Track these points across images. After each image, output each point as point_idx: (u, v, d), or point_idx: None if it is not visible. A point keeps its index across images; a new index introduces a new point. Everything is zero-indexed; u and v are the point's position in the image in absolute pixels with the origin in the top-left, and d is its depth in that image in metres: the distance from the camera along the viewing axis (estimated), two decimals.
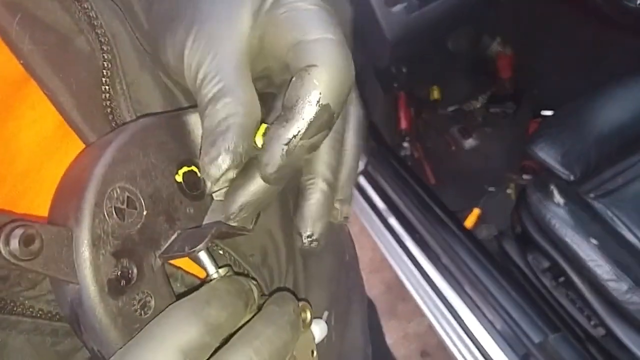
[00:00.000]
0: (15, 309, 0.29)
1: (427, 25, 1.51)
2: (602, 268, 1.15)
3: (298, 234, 0.37)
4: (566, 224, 1.21)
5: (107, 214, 0.28)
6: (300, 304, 0.35)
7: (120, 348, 0.26)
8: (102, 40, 0.33)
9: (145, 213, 0.30)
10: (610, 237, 1.20)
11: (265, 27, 0.31)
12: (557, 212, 1.23)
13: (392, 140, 2.07)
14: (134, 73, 0.36)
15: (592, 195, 1.30)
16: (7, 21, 0.29)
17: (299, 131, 0.28)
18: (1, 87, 0.29)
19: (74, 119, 0.31)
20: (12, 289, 0.28)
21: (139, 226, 0.29)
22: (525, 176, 1.88)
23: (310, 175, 0.37)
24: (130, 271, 0.28)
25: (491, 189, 1.97)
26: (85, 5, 0.33)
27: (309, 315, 0.36)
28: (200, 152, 0.31)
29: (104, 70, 0.33)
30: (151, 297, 0.29)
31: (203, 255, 0.32)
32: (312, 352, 0.38)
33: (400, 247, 1.62)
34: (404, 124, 2.12)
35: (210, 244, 0.31)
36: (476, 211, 1.90)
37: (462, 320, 1.41)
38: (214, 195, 0.33)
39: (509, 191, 1.95)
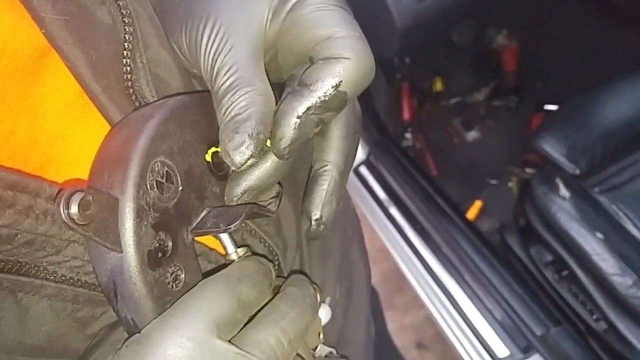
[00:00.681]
0: (38, 273, 0.29)
1: (436, 15, 1.50)
2: (607, 262, 1.14)
3: (307, 217, 0.39)
4: (572, 218, 1.21)
5: (150, 187, 0.28)
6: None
7: (156, 318, 0.27)
8: (124, 12, 0.34)
9: (180, 189, 0.31)
10: (615, 232, 1.20)
11: (288, 24, 0.33)
12: (562, 205, 1.23)
13: (395, 130, 2.07)
14: (153, 49, 0.36)
15: (597, 189, 1.30)
16: None
17: (312, 105, 0.31)
18: (25, 54, 0.29)
19: (93, 89, 0.31)
20: (36, 254, 0.28)
21: (175, 201, 0.30)
22: (527, 170, 1.88)
23: (325, 163, 0.39)
24: (166, 244, 0.29)
25: (493, 181, 1.97)
26: None
27: (319, 299, 0.37)
28: (220, 138, 0.32)
29: (125, 43, 0.33)
30: (182, 271, 0.30)
31: (224, 235, 0.34)
32: (319, 334, 0.40)
33: (402, 237, 1.62)
34: (406, 115, 2.11)
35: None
36: (478, 203, 1.90)
37: (463, 312, 1.41)
38: None
39: (510, 184, 1.95)
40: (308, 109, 0.31)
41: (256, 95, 0.32)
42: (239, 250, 0.34)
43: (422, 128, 2.17)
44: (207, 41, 0.33)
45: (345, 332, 0.64)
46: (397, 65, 2.07)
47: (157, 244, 0.28)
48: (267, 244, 0.44)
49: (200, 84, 0.41)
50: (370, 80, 0.33)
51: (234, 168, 0.32)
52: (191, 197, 0.32)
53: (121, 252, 0.27)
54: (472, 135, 2.13)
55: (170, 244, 0.29)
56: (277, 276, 0.35)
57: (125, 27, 0.34)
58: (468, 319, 1.40)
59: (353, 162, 0.42)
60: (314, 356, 0.39)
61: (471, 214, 1.89)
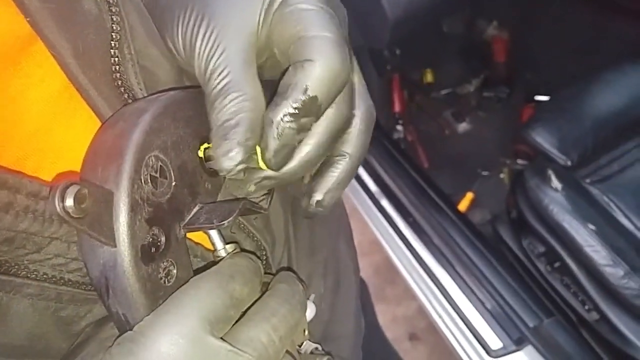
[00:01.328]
0: (19, 272, 0.28)
1: (426, 6, 1.49)
2: (599, 253, 1.15)
3: (309, 197, 0.39)
4: (564, 209, 1.21)
5: (144, 181, 0.28)
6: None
7: (148, 314, 0.27)
8: (111, 1, 0.33)
9: (174, 184, 0.31)
10: (607, 223, 1.21)
11: (274, 23, 0.33)
12: (554, 197, 1.23)
13: (386, 123, 2.06)
14: (141, 41, 0.35)
15: (588, 180, 1.30)
16: None
17: (285, 114, 0.31)
18: (7, 42, 0.28)
19: (80, 81, 0.30)
20: (16, 252, 0.28)
21: (168, 196, 0.30)
22: (519, 161, 1.89)
23: (343, 153, 0.39)
24: (159, 239, 0.29)
25: (484, 173, 1.97)
26: None
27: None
28: (212, 141, 0.33)
29: (113, 34, 0.33)
30: (174, 266, 0.30)
31: (213, 231, 0.34)
32: (304, 331, 0.40)
33: (393, 229, 1.61)
34: (397, 107, 2.11)
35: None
36: (469, 195, 1.90)
37: (456, 304, 1.41)
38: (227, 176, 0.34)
39: (502, 175, 1.96)
40: (283, 117, 0.32)
41: (245, 100, 0.32)
42: (227, 246, 0.34)
43: (413, 120, 2.16)
44: (201, 44, 0.33)
45: (331, 327, 0.64)
46: (387, 57, 2.06)
47: (151, 239, 0.28)
48: (255, 238, 0.44)
49: (189, 79, 0.40)
50: (343, 82, 0.33)
51: (222, 174, 0.32)
52: (184, 192, 0.32)
53: (115, 246, 0.26)
54: (463, 126, 2.13)
55: (163, 239, 0.29)
56: (265, 272, 0.35)
57: (112, 17, 0.33)
58: (460, 311, 1.40)
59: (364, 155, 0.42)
60: (299, 352, 0.40)
61: (463, 205, 1.89)
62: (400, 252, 1.60)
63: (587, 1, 1.82)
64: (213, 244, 0.34)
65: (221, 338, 0.27)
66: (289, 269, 0.52)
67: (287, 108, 0.31)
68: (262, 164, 0.34)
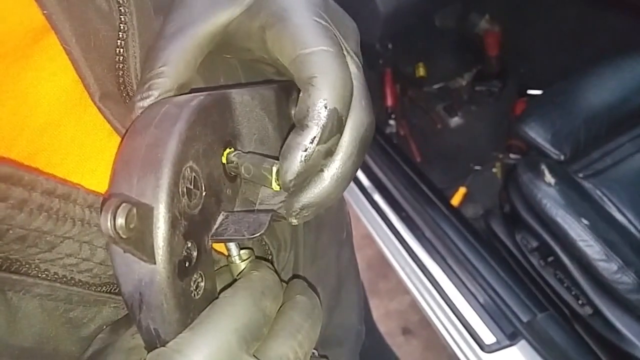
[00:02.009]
0: (30, 271, 0.28)
1: (419, 0, 1.48)
2: (592, 248, 1.15)
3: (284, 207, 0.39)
4: (557, 204, 1.21)
5: (181, 194, 0.27)
6: None
7: (180, 329, 0.27)
8: (120, 1, 0.33)
9: (204, 194, 0.30)
10: (600, 217, 1.21)
11: (267, 39, 0.33)
12: (548, 191, 1.23)
13: (378, 117, 2.04)
14: (144, 40, 0.35)
15: (581, 175, 1.30)
16: None
17: (315, 137, 0.30)
18: (20, 34, 0.27)
19: (87, 77, 0.30)
20: (28, 250, 0.27)
21: (199, 207, 0.29)
22: (511, 155, 1.89)
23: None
24: (192, 253, 0.28)
25: (477, 167, 1.97)
26: None
27: None
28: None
29: (120, 33, 0.32)
30: (202, 279, 0.29)
31: None
32: None
33: (386, 223, 1.61)
34: (389, 101, 2.11)
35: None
36: (462, 190, 1.90)
37: (449, 299, 1.41)
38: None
39: (494, 170, 1.95)
40: (311, 142, 0.31)
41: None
42: (242, 252, 0.34)
43: (406, 114, 2.16)
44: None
45: (329, 332, 0.64)
46: (379, 51, 2.05)
47: (185, 253, 0.28)
48: (263, 243, 0.44)
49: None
50: (351, 90, 0.32)
51: (282, 189, 0.32)
52: (212, 201, 0.31)
53: (153, 262, 0.26)
54: (455, 120, 2.13)
55: (195, 253, 0.29)
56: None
57: (121, 17, 0.33)
58: (454, 305, 1.40)
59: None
60: None
61: (455, 200, 1.89)
62: (393, 247, 1.60)
63: None
64: (229, 250, 0.34)
65: (254, 355, 0.28)
66: (298, 276, 0.51)
67: (313, 130, 0.31)
68: (275, 186, 0.32)
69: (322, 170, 0.33)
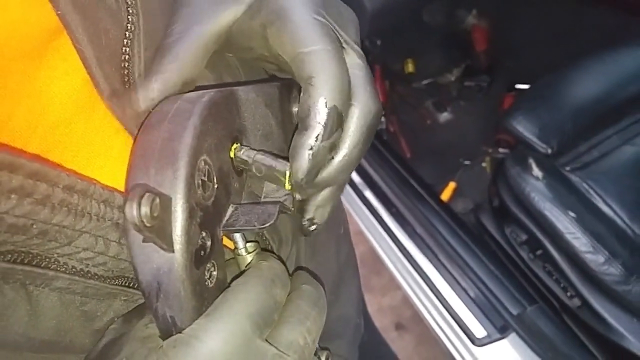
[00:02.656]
0: (50, 265, 0.28)
1: None
2: (579, 240, 1.16)
3: (300, 214, 0.40)
4: (545, 197, 1.22)
5: (197, 185, 0.28)
6: None
7: (196, 316, 0.28)
8: (129, 2, 0.34)
9: (216, 186, 0.31)
10: (587, 210, 1.22)
11: (268, 36, 0.35)
12: (535, 185, 1.24)
13: None
14: (149, 40, 0.36)
15: (568, 168, 1.31)
16: None
17: (319, 135, 0.32)
18: (36, 34, 0.28)
19: (97, 76, 0.30)
20: (48, 245, 0.28)
21: (212, 199, 0.31)
22: (500, 149, 1.90)
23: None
24: (206, 243, 0.30)
25: (466, 162, 1.98)
26: None
27: None
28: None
29: (127, 32, 0.33)
30: (214, 268, 0.31)
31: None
32: None
33: (377, 220, 1.62)
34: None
35: None
36: (452, 185, 1.91)
37: (440, 293, 1.42)
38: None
39: (484, 164, 1.96)
40: (316, 139, 0.33)
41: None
42: (248, 245, 0.35)
43: (395, 110, 2.16)
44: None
45: (328, 326, 0.64)
46: (368, 47, 2.05)
47: (200, 243, 0.29)
48: (264, 237, 0.45)
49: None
50: (347, 87, 0.34)
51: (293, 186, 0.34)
52: (222, 194, 0.32)
53: (171, 251, 0.27)
54: (444, 116, 2.14)
55: (209, 242, 0.30)
56: None
57: (129, 17, 0.33)
58: (445, 299, 1.41)
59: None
60: None
61: (445, 195, 1.90)
62: (384, 243, 1.60)
63: None
64: (235, 242, 0.35)
65: (266, 340, 0.29)
66: (302, 268, 0.53)
67: (317, 128, 0.32)
68: (287, 186, 0.34)
69: (332, 159, 0.35)
